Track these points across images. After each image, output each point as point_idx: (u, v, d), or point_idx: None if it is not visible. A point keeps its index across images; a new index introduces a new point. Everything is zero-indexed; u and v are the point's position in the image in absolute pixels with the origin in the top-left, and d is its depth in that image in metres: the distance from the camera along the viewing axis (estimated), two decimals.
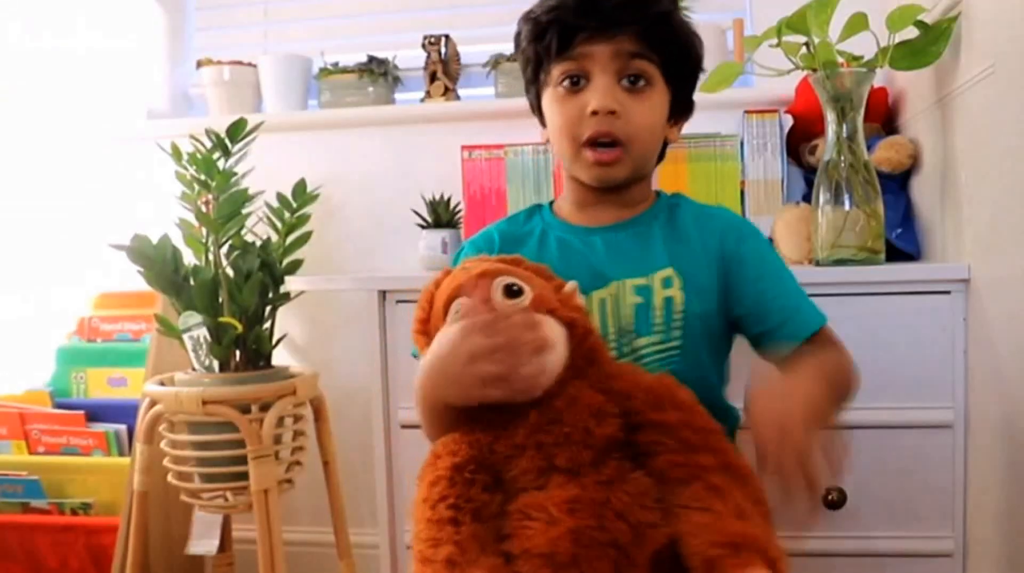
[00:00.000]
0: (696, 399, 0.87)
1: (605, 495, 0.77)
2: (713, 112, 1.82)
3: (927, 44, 1.37)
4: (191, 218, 1.71)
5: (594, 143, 1.00)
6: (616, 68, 0.99)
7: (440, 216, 1.80)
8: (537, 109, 1.10)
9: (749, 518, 0.77)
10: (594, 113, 0.98)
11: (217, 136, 1.70)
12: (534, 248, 1.07)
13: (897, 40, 1.38)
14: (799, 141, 1.75)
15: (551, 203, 1.15)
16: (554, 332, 0.85)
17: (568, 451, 0.80)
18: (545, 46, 1.01)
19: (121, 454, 1.85)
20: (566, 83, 1.01)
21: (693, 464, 0.81)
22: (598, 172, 1.02)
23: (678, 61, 1.04)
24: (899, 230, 1.56)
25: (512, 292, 0.88)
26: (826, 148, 1.45)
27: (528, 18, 1.04)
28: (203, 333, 1.64)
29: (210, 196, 1.69)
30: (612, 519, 0.76)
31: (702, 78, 1.49)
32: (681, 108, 1.09)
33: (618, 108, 0.98)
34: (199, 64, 2.15)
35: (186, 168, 1.70)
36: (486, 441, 0.85)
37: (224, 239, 1.68)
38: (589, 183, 1.04)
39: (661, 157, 1.12)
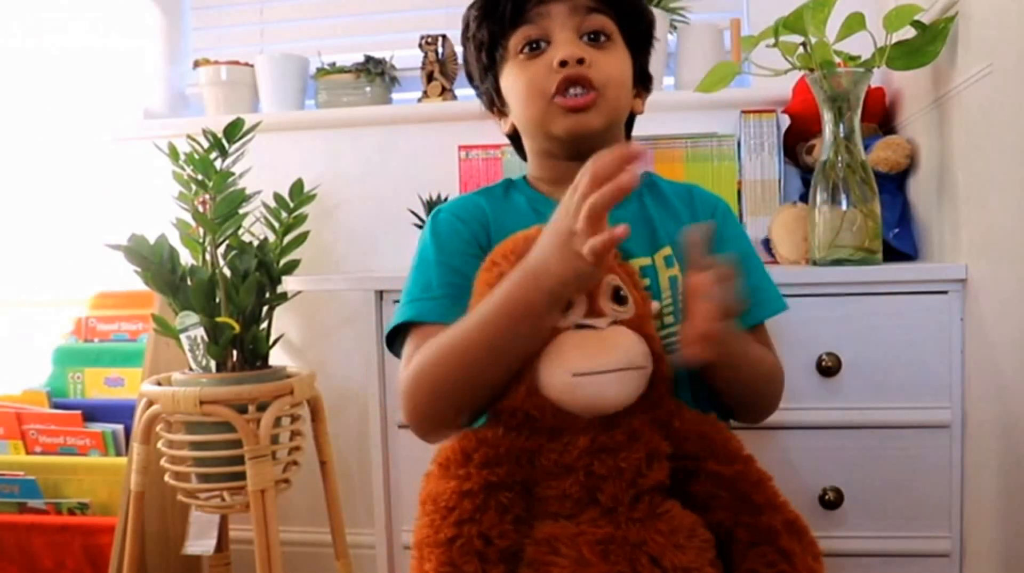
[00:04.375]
0: (744, 447, 0.84)
1: (639, 536, 0.74)
2: (710, 112, 1.83)
3: (924, 44, 1.37)
4: (188, 218, 1.71)
5: (564, 92, 0.96)
6: (575, 24, 0.98)
7: None
8: (496, 97, 1.06)
9: None
10: (562, 64, 0.95)
11: (214, 136, 1.70)
12: (529, 214, 1.01)
13: (894, 40, 1.38)
14: (796, 141, 1.75)
15: (523, 178, 1.10)
16: (645, 356, 0.79)
17: (615, 487, 0.76)
18: (499, 18, 0.99)
19: (118, 454, 1.85)
20: (526, 51, 0.99)
21: (762, 526, 0.79)
22: (573, 120, 0.97)
23: (632, 18, 1.03)
24: (896, 230, 1.56)
25: (620, 298, 0.81)
26: (823, 148, 1.45)
27: (475, 3, 1.03)
28: (200, 333, 1.64)
29: (207, 196, 1.69)
30: (647, 565, 0.72)
31: (699, 78, 1.51)
32: (643, 79, 1.07)
33: (586, 56, 0.96)
34: (196, 64, 2.14)
35: (183, 168, 1.70)
36: (527, 449, 0.79)
37: (221, 239, 1.68)
38: (563, 136, 0.98)
39: (629, 131, 1.09)
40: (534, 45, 0.98)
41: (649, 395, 0.81)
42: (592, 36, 0.99)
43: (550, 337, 0.78)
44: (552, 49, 0.97)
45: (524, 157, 1.10)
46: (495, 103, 1.07)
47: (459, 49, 2.00)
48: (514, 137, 1.10)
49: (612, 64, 0.99)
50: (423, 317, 0.94)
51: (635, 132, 1.13)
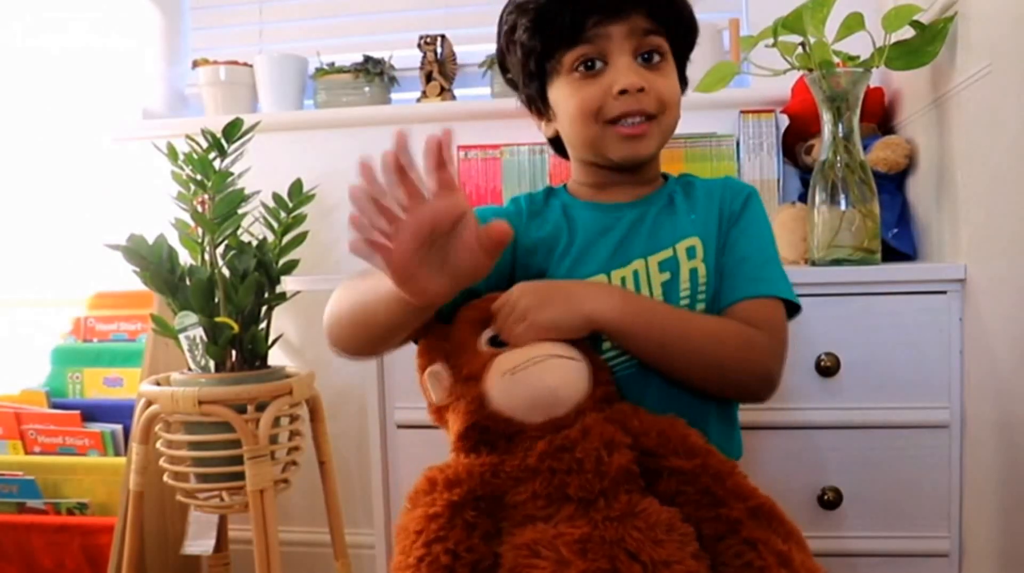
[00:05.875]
0: (705, 440, 0.85)
1: (617, 533, 0.75)
2: (709, 112, 1.83)
3: (923, 44, 1.37)
4: (187, 218, 1.71)
5: (621, 120, 0.97)
6: (632, 46, 0.97)
7: None
8: (539, 102, 1.06)
9: (791, 560, 0.77)
10: (622, 92, 0.96)
11: (213, 136, 1.69)
12: (560, 218, 1.04)
13: (893, 40, 1.38)
14: (795, 141, 1.75)
15: (564, 186, 1.12)
16: (572, 350, 0.84)
17: (580, 479, 0.78)
18: (554, 32, 0.98)
19: (117, 454, 1.85)
20: (581, 68, 0.99)
21: (724, 518, 0.79)
22: (630, 147, 0.98)
23: (684, 36, 1.03)
24: (895, 230, 1.56)
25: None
26: (822, 148, 1.45)
27: (525, 8, 1.00)
28: (199, 333, 1.64)
29: (206, 196, 1.68)
30: (625, 560, 0.73)
31: (698, 78, 1.51)
32: (682, 83, 1.08)
33: (645, 85, 0.96)
34: (195, 64, 2.14)
35: (182, 168, 1.70)
36: (489, 464, 0.82)
37: (220, 239, 1.68)
38: (619, 161, 1.00)
39: None
40: (590, 64, 0.98)
41: (594, 401, 0.85)
42: (647, 56, 0.99)
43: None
44: (610, 73, 0.97)
45: (566, 157, 1.10)
46: (536, 106, 1.07)
47: (458, 49, 2.02)
48: (554, 140, 1.10)
49: (667, 87, 0.99)
50: None
51: None
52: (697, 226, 1.01)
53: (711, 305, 0.98)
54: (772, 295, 0.99)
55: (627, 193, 1.05)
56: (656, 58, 0.99)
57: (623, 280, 0.98)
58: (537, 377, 0.82)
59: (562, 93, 1.01)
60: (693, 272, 0.98)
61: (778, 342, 0.97)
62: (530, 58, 1.01)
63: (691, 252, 0.99)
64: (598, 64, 0.98)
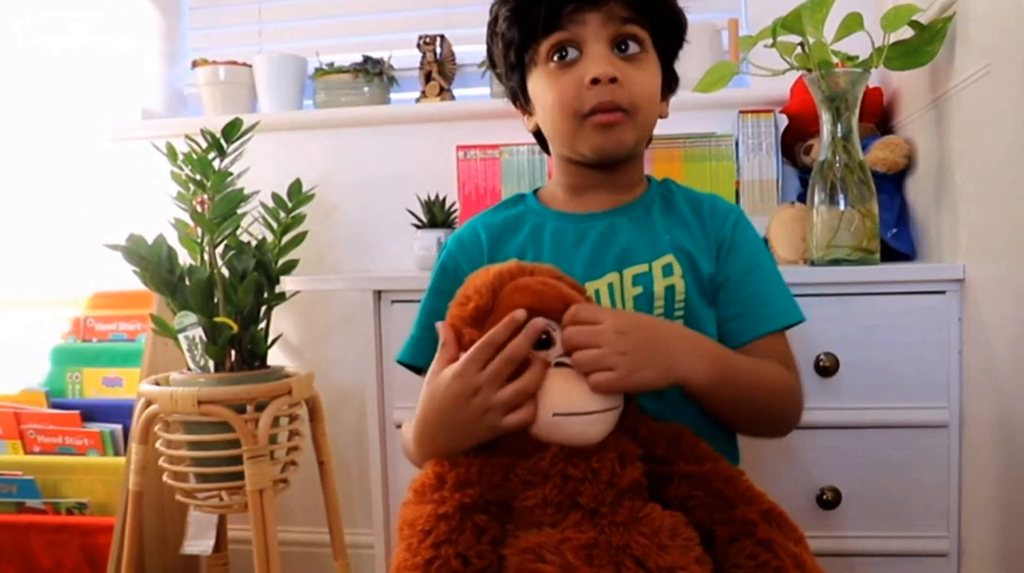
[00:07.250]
0: (712, 448, 0.85)
1: (623, 539, 0.74)
2: (708, 112, 1.83)
3: (922, 44, 1.37)
4: (187, 218, 1.71)
5: (596, 112, 0.96)
6: (609, 35, 0.96)
7: (435, 216, 1.80)
8: (520, 96, 1.05)
9: (804, 562, 0.78)
10: (594, 82, 0.94)
11: (212, 136, 1.70)
12: (527, 236, 1.03)
13: (892, 40, 1.38)
14: (794, 141, 1.75)
15: (535, 192, 1.11)
16: (619, 396, 0.82)
17: (593, 488, 0.77)
18: (531, 21, 0.97)
19: (116, 454, 1.85)
20: (556, 58, 0.97)
21: (739, 520, 0.79)
22: (604, 138, 0.97)
23: (667, 26, 1.01)
24: (894, 230, 1.56)
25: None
26: (821, 148, 1.45)
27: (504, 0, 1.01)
28: (198, 333, 1.64)
29: (205, 196, 1.69)
30: (631, 567, 0.73)
31: (697, 78, 1.51)
32: (669, 81, 1.06)
33: (619, 75, 0.94)
34: (194, 64, 2.14)
35: (181, 168, 1.70)
36: (501, 465, 0.80)
37: (219, 239, 1.68)
38: (593, 155, 0.98)
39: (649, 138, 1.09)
40: (564, 53, 0.97)
41: None
42: (624, 46, 0.97)
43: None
44: (584, 63, 0.96)
45: (549, 152, 1.10)
46: (519, 100, 1.07)
47: (457, 49, 2.02)
48: (538, 134, 1.09)
49: (644, 81, 0.98)
50: (404, 358, 1.06)
51: None
52: (674, 245, 1.00)
53: (688, 318, 0.98)
54: (784, 326, 1.01)
55: (603, 200, 1.04)
56: (633, 47, 0.97)
57: (597, 293, 0.98)
58: (584, 427, 0.79)
59: (539, 85, 1.00)
60: (669, 289, 0.98)
61: (799, 380, 1.00)
62: (510, 49, 1.01)
63: (667, 270, 0.98)
64: (572, 53, 0.97)
